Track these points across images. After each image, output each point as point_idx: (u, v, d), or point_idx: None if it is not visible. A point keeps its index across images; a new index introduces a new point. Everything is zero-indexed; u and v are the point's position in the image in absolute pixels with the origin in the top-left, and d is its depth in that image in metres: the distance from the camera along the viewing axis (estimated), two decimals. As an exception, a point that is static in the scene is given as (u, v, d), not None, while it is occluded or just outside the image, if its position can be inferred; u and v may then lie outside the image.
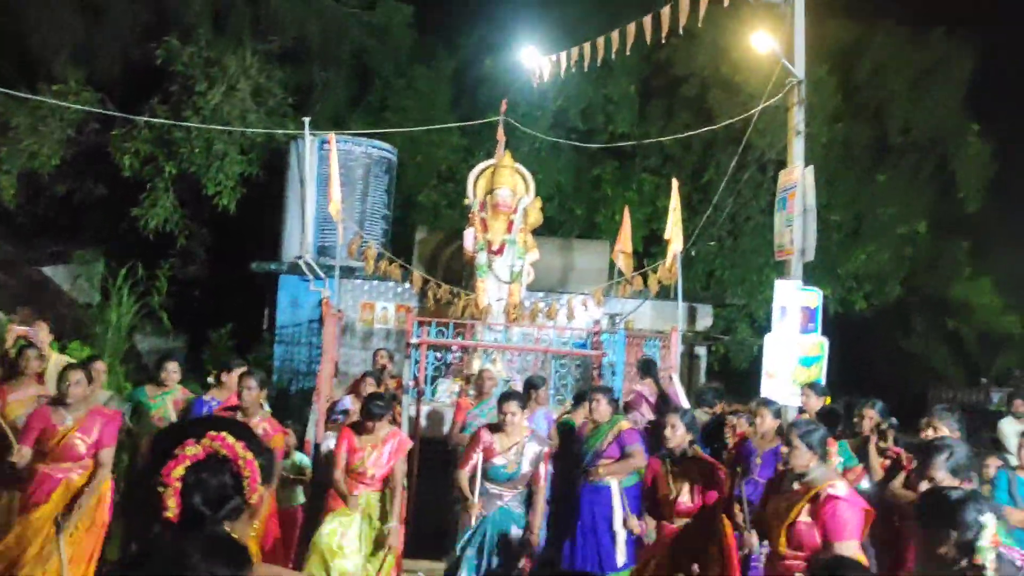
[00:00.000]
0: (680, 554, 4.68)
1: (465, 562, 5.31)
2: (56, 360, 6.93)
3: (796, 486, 4.03)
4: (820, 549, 3.76)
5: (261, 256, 11.31)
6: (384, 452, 5.53)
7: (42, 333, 6.96)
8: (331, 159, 9.18)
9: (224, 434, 1.56)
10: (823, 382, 7.53)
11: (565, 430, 6.77)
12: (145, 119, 11.41)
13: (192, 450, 1.54)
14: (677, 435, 4.91)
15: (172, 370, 6.60)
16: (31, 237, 13.87)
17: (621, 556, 5.74)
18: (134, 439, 6.40)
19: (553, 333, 9.34)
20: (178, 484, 1.51)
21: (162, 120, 11.33)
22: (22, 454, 5.11)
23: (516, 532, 5.40)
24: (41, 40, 11.58)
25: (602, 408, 6.02)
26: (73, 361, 6.88)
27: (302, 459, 6.89)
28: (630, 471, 5.89)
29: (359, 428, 5.57)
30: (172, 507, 1.50)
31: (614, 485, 5.85)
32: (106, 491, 5.33)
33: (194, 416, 6.06)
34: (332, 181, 9.04)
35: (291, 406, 9.99)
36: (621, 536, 5.74)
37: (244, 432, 1.63)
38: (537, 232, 10.21)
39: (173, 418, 6.47)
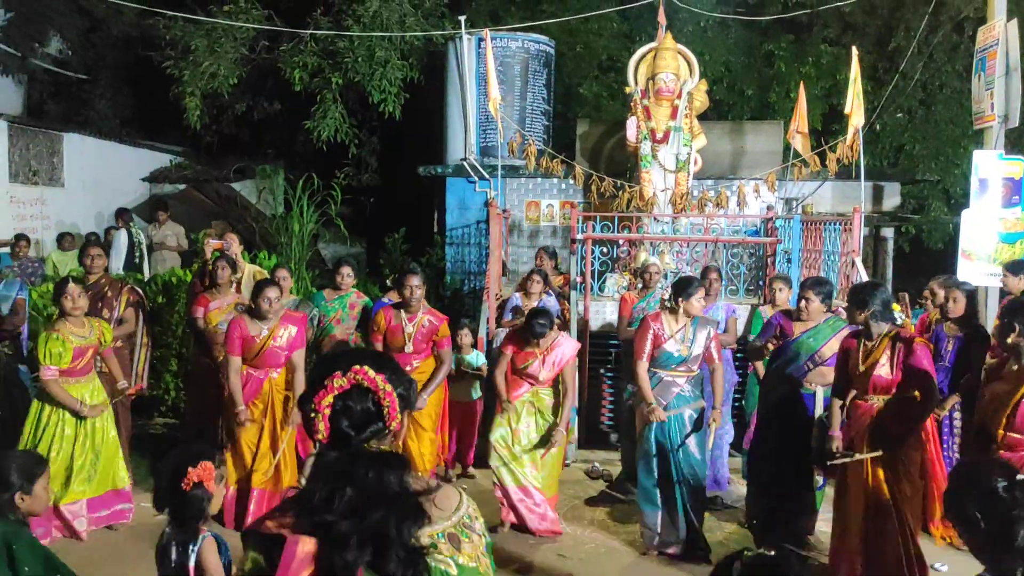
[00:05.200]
0: (879, 435, 4.46)
1: (644, 452, 5.33)
2: (249, 270, 7.42)
3: (1015, 367, 4.03)
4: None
5: (427, 160, 11.49)
6: (549, 360, 5.58)
7: (234, 245, 7.42)
8: (487, 56, 9.06)
9: (366, 368, 1.76)
10: (1028, 261, 6.82)
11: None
12: (310, 32, 11.70)
13: (338, 382, 1.75)
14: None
15: (347, 274, 6.89)
16: (218, 155, 14.83)
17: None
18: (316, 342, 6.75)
19: (723, 222, 8.98)
20: (327, 411, 1.74)
21: (325, 31, 11.58)
22: (233, 367, 5.56)
23: (693, 415, 5.34)
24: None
25: (815, 305, 5.32)
26: (264, 272, 7.35)
27: (477, 356, 7.10)
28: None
29: (525, 335, 5.65)
30: (322, 430, 1.75)
31: (819, 392, 5.31)
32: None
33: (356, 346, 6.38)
34: (490, 79, 8.95)
35: (464, 305, 10.30)
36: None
37: (386, 365, 1.83)
38: (704, 117, 9.73)
39: (349, 320, 6.80)
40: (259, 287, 5.64)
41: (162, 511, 3.03)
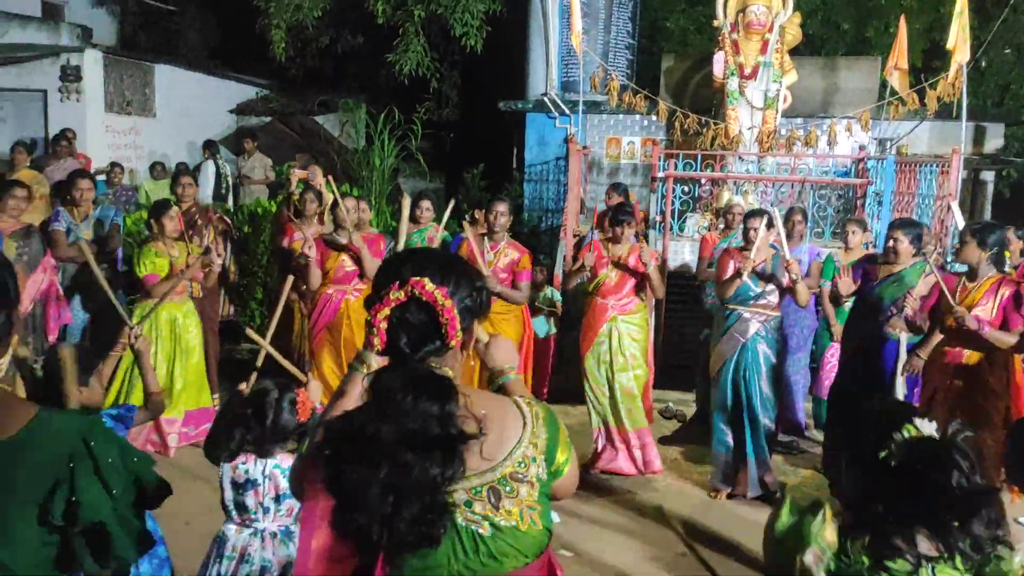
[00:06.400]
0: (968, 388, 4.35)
1: (719, 393, 5.29)
2: (332, 201, 7.54)
3: None
4: None
5: (508, 95, 11.39)
6: (629, 263, 5.54)
7: (319, 176, 7.55)
8: (572, -12, 8.86)
9: (424, 280, 1.59)
10: None
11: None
12: (394, -38, 11.62)
13: (395, 294, 1.60)
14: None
15: (426, 208, 6.95)
16: (302, 89, 15.00)
17: None
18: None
19: (812, 162, 8.68)
20: (383, 324, 1.59)
21: (409, -38, 11.49)
22: (308, 244, 5.66)
23: (769, 356, 5.25)
24: None
25: (903, 247, 5.10)
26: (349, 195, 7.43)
27: (553, 293, 7.12)
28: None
29: (606, 241, 5.66)
30: (378, 344, 1.61)
31: (903, 339, 5.01)
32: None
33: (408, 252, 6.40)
34: (573, 12, 8.76)
35: (541, 242, 10.28)
36: (900, 390, 5.01)
37: (451, 272, 1.66)
38: (796, 51, 9.34)
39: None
40: (335, 203, 5.77)
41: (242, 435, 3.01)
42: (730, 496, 5.32)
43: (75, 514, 1.55)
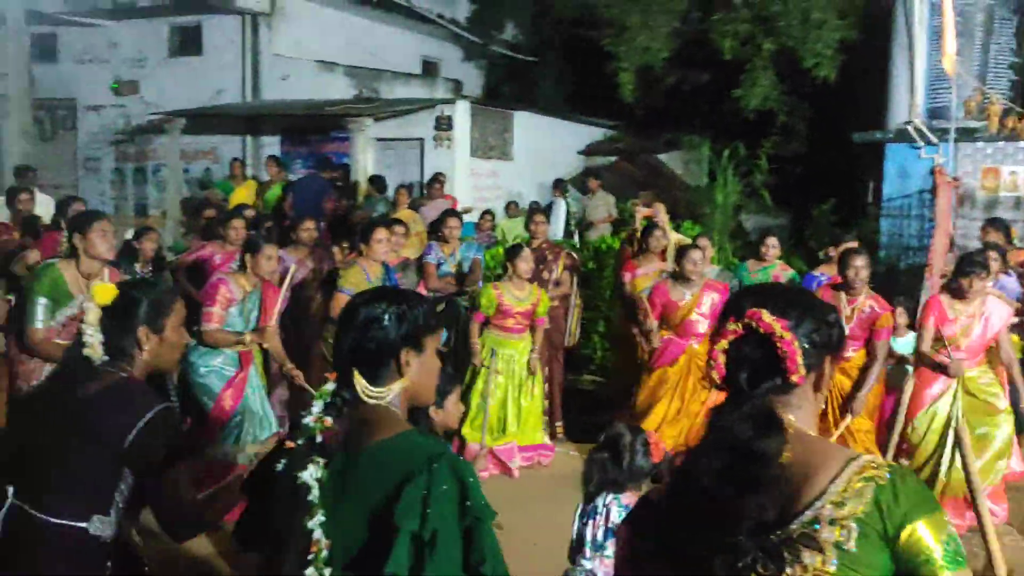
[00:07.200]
0: None
1: None
2: (673, 239, 7.58)
3: None
4: None
5: (863, 126, 10.67)
6: (982, 324, 4.85)
7: (662, 214, 7.65)
8: (944, 6, 8.09)
9: (763, 312, 1.52)
10: None
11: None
12: (743, -1, 11.53)
13: (732, 326, 1.55)
14: None
15: (772, 245, 6.72)
16: (648, 127, 15.36)
17: None
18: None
19: None
20: (721, 358, 1.55)
21: (758, -4, 11.32)
22: (650, 323, 5.76)
23: None
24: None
25: None
26: (688, 240, 7.47)
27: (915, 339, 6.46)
28: None
29: (953, 294, 4.99)
30: (715, 378, 1.57)
31: None
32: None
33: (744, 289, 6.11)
34: (945, 32, 7.99)
35: (900, 283, 9.42)
36: None
37: (793, 305, 1.56)
38: None
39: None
40: (682, 251, 5.76)
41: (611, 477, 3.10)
42: None
43: (404, 519, 1.60)
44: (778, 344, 1.50)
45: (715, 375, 1.55)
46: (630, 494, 3.02)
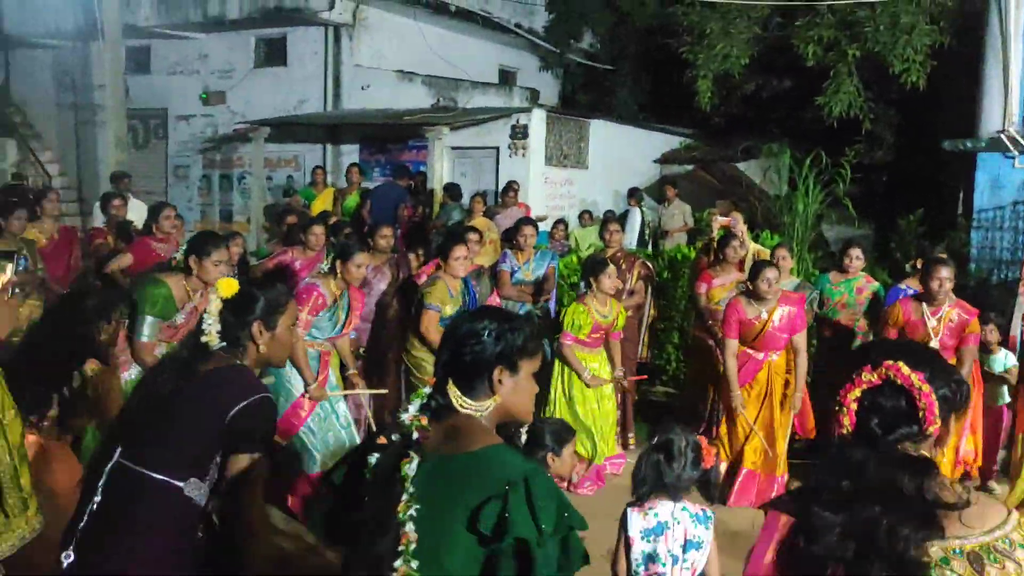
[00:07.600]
0: None
1: None
2: (752, 249, 7.43)
3: None
4: None
5: (953, 133, 10.30)
6: None
7: (740, 223, 7.49)
8: (1042, 9, 7.75)
9: (900, 364, 1.62)
10: None
11: None
12: (828, 3, 11.24)
13: (867, 376, 1.64)
14: None
15: (856, 256, 6.47)
16: (725, 136, 15.13)
17: None
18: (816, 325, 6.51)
19: None
20: (854, 405, 1.65)
21: (845, 1, 11.02)
22: (730, 350, 5.63)
23: None
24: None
25: None
26: (766, 252, 7.31)
27: (1006, 356, 6.20)
28: None
29: None
30: (847, 424, 1.66)
31: None
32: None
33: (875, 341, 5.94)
34: (1043, 36, 7.65)
35: (991, 297, 9.03)
36: None
37: (925, 361, 1.66)
38: None
39: (856, 306, 6.40)
40: (756, 269, 5.60)
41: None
42: None
43: (504, 528, 1.67)
44: (917, 396, 1.61)
45: (846, 422, 1.66)
46: (689, 503, 3.02)
